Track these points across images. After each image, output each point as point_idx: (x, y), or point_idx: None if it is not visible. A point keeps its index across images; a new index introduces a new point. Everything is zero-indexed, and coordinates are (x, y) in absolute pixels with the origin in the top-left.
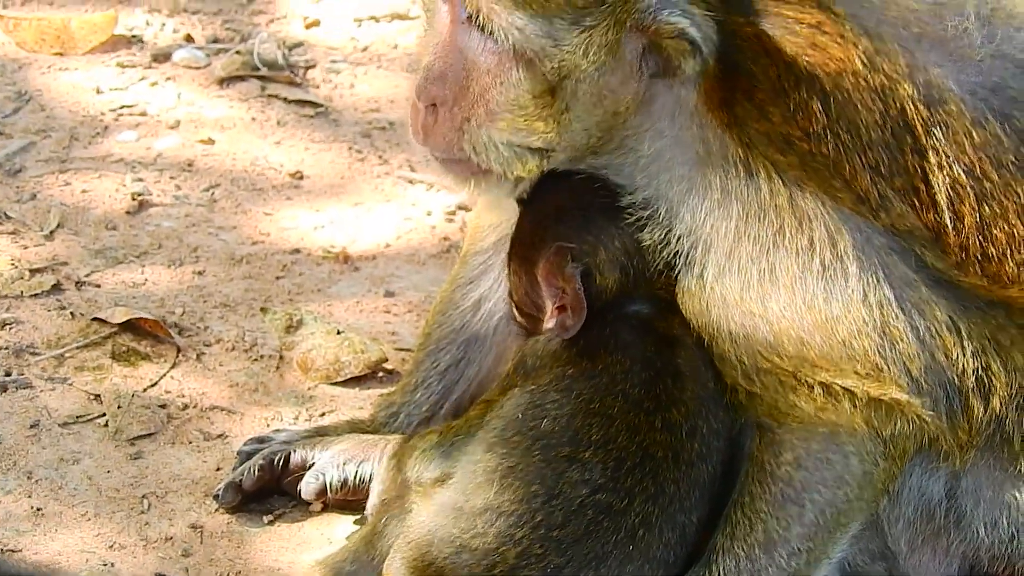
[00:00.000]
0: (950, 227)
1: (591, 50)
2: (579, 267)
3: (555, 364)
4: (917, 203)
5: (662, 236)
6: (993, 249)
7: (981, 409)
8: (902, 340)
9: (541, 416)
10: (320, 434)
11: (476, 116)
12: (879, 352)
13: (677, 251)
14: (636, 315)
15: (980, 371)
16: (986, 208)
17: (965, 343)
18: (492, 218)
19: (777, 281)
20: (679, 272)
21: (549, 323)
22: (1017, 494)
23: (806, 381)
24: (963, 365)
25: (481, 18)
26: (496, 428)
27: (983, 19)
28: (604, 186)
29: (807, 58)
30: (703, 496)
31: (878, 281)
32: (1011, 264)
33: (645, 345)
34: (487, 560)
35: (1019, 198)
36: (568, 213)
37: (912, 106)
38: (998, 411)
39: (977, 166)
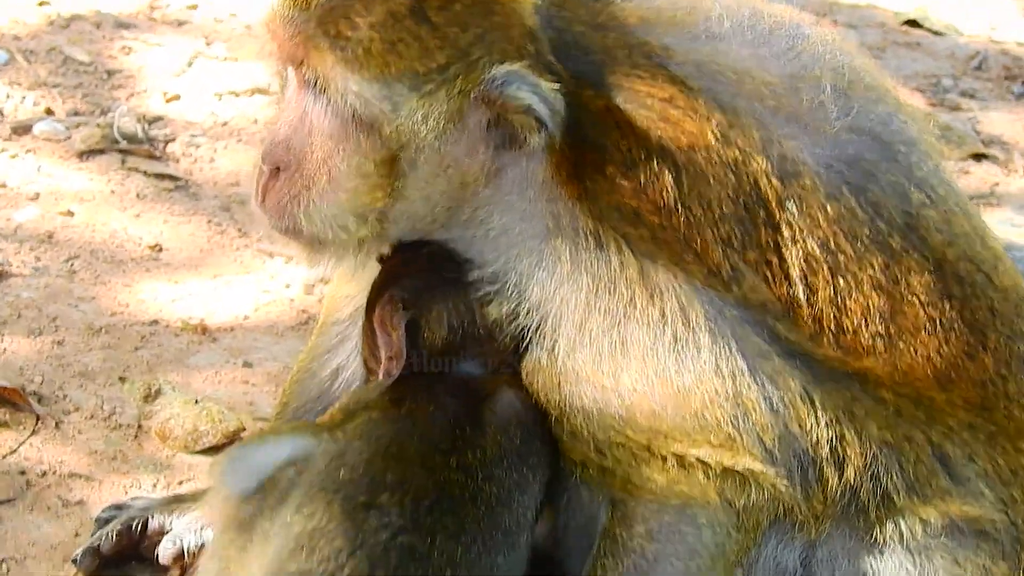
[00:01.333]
0: (803, 299)
1: (431, 118)
2: (407, 316)
3: (364, 410)
4: (770, 276)
5: (511, 310)
6: (848, 321)
7: (836, 479)
8: (755, 410)
9: (340, 466)
10: (178, 501)
11: (315, 183)
12: (732, 422)
13: (526, 325)
14: (459, 372)
15: (834, 441)
16: (840, 280)
17: (819, 413)
18: (350, 289)
19: (628, 353)
20: (528, 347)
21: (380, 372)
22: (873, 563)
23: (659, 453)
24: (817, 435)
25: (321, 82)
26: (303, 485)
27: (839, 92)
28: (454, 255)
29: (659, 132)
30: (509, 541)
31: (731, 352)
32: (866, 335)
33: (455, 396)
34: None
35: (874, 270)
36: (411, 269)
37: (766, 180)
38: (852, 481)
39: (831, 239)
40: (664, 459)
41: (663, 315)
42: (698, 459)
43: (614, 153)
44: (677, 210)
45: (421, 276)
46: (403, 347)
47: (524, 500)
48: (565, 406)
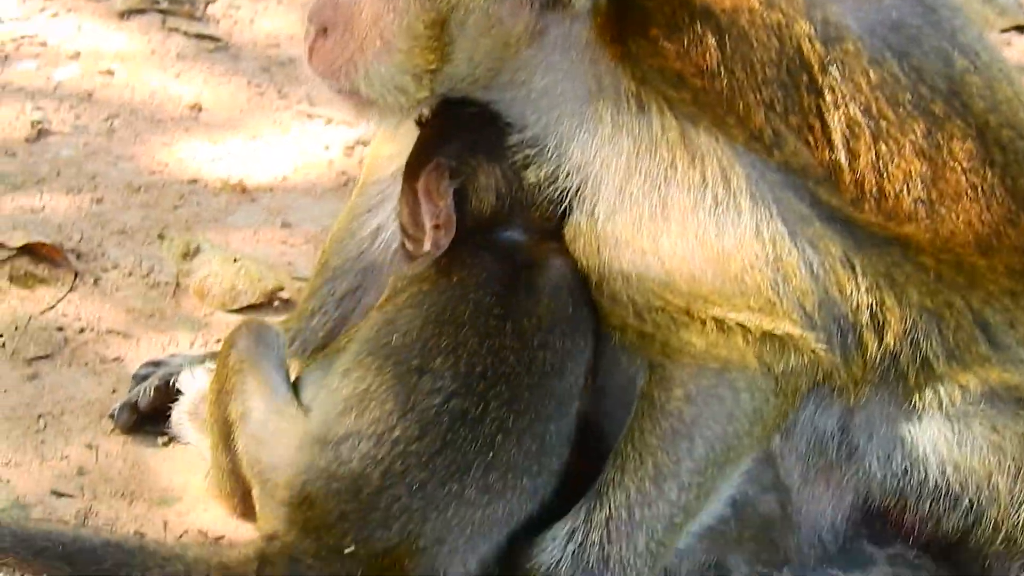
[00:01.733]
0: (845, 165)
1: None
2: (454, 185)
3: (414, 283)
4: (812, 141)
5: (551, 172)
6: (889, 186)
7: (875, 345)
8: (795, 275)
9: (392, 332)
10: (215, 358)
11: (365, 44)
12: (772, 286)
13: (566, 188)
14: (507, 241)
15: (874, 306)
16: (882, 146)
17: (859, 279)
18: (391, 148)
19: (668, 217)
20: (569, 210)
21: (427, 243)
22: (911, 429)
23: (699, 317)
24: (857, 301)
25: None
26: (352, 352)
27: None
28: (496, 118)
29: None
30: (561, 410)
31: (771, 216)
32: (907, 201)
33: (504, 264)
34: (354, 486)
35: (916, 136)
36: (455, 134)
37: (809, 44)
38: (892, 347)
39: (874, 104)
40: (703, 323)
41: (704, 178)
42: (737, 323)
43: (657, 16)
44: (720, 73)
45: (465, 142)
46: (452, 216)
47: (575, 368)
48: (605, 270)
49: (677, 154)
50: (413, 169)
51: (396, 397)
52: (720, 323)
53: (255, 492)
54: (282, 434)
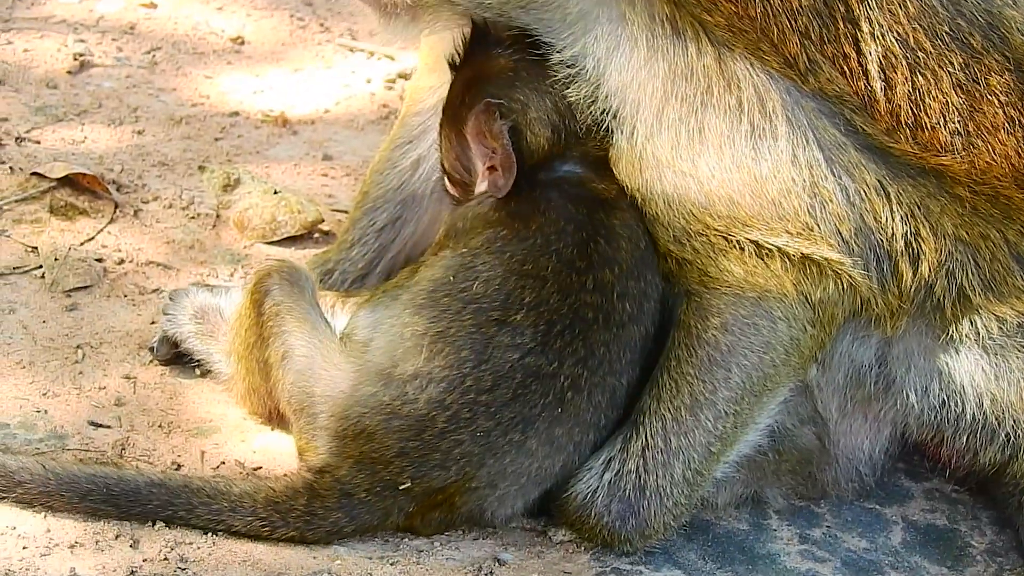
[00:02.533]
0: (881, 95)
1: None
2: (508, 124)
3: (486, 226)
4: (847, 70)
5: (590, 93)
6: (925, 118)
7: (910, 274)
8: (831, 200)
9: (472, 278)
10: None
11: None
12: (809, 212)
13: (606, 109)
14: (569, 176)
15: (909, 236)
16: (919, 77)
17: (894, 207)
18: (431, 80)
19: (706, 141)
20: (611, 132)
21: (481, 185)
22: (949, 361)
23: (737, 241)
24: (892, 229)
25: None
26: (425, 290)
27: None
28: (534, 45)
29: None
30: (633, 359)
31: (807, 142)
32: (944, 133)
33: (578, 206)
34: (417, 425)
35: (953, 68)
36: (497, 72)
37: None
38: (927, 277)
39: (911, 35)
40: (742, 248)
41: (740, 104)
42: (776, 247)
43: None
44: (754, 0)
45: (509, 77)
46: (511, 156)
47: (648, 311)
48: (647, 192)
49: (713, 79)
50: (456, 113)
51: (472, 346)
52: (759, 248)
53: (297, 424)
54: (332, 367)
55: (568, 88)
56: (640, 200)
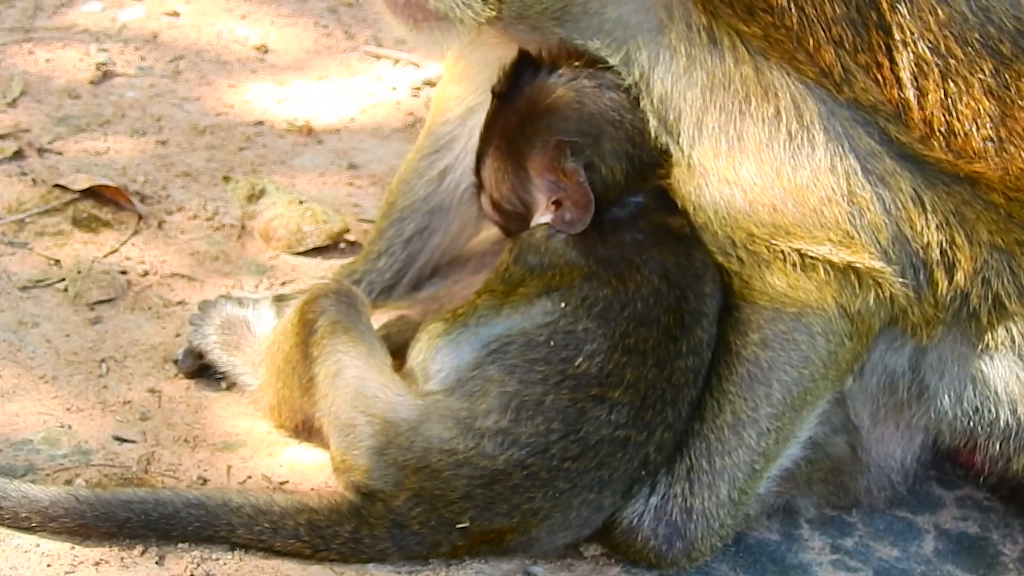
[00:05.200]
0: (914, 103)
1: None
2: (582, 160)
3: (577, 276)
4: (880, 78)
5: (645, 103)
6: (958, 125)
7: (945, 283)
8: (869, 209)
9: (574, 349)
10: (281, 301)
11: None
12: (849, 220)
13: (658, 116)
14: (644, 211)
15: (944, 244)
16: (950, 84)
17: (929, 216)
18: (458, 89)
19: (746, 150)
20: (665, 146)
21: (541, 218)
22: (983, 368)
23: (781, 251)
24: (928, 238)
25: None
26: (518, 347)
27: None
28: (591, 69)
29: None
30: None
31: (844, 151)
32: (976, 139)
33: (664, 253)
34: (490, 476)
35: (984, 75)
36: (561, 104)
37: None
38: (963, 285)
39: (942, 43)
40: (785, 258)
41: (778, 112)
42: (819, 257)
43: None
44: (790, 9)
45: (575, 108)
46: (588, 193)
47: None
48: (696, 200)
49: (751, 88)
50: (514, 147)
51: (565, 419)
52: (802, 258)
53: (341, 441)
54: (391, 392)
55: (638, 103)
56: (692, 210)
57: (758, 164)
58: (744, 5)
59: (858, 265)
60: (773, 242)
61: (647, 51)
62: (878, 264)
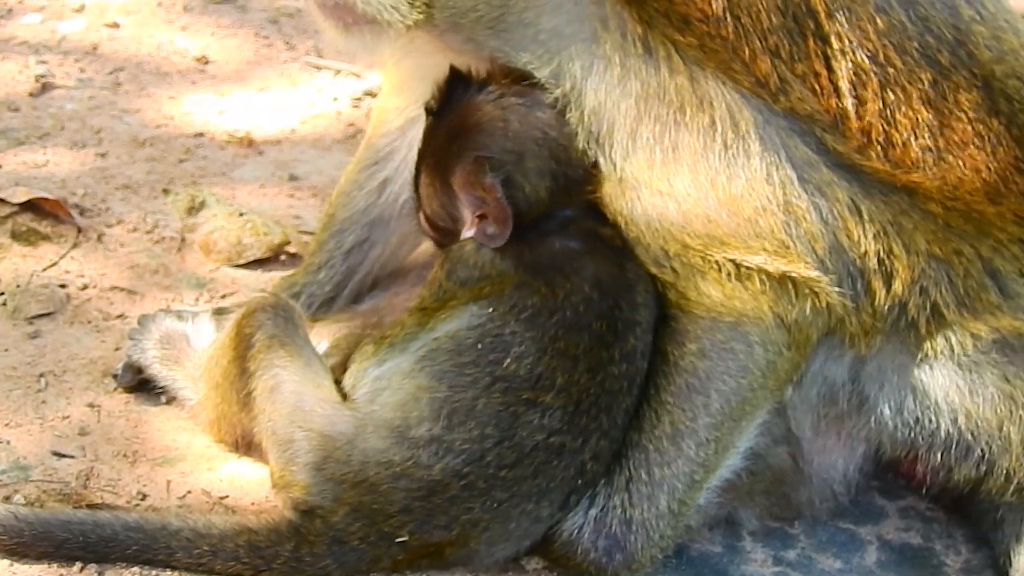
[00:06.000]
0: (852, 113)
1: None
2: (500, 176)
3: (507, 284)
4: (818, 88)
5: (571, 116)
6: (896, 135)
7: (883, 292)
8: (805, 219)
9: (502, 351)
10: (221, 314)
11: None
12: (784, 229)
13: (589, 133)
14: (577, 222)
15: (882, 253)
16: (889, 94)
17: (866, 225)
18: (398, 100)
19: (680, 160)
20: (596, 161)
21: (468, 232)
22: (923, 378)
23: (716, 261)
24: (865, 247)
25: None
26: (447, 351)
27: None
28: (520, 87)
29: None
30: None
31: (780, 160)
32: (915, 149)
33: (597, 261)
34: (428, 488)
35: (923, 85)
36: (486, 121)
37: None
38: (900, 294)
39: (881, 52)
40: (720, 268)
41: (713, 123)
42: (754, 267)
43: None
44: (725, 19)
45: (499, 126)
46: (505, 208)
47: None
48: (628, 214)
49: (686, 98)
50: (441, 162)
51: (498, 424)
52: (737, 268)
53: (279, 457)
54: (328, 406)
55: (565, 115)
56: (623, 223)
57: (692, 175)
58: (679, 15)
59: (794, 275)
60: (708, 253)
61: (581, 61)
62: (814, 273)
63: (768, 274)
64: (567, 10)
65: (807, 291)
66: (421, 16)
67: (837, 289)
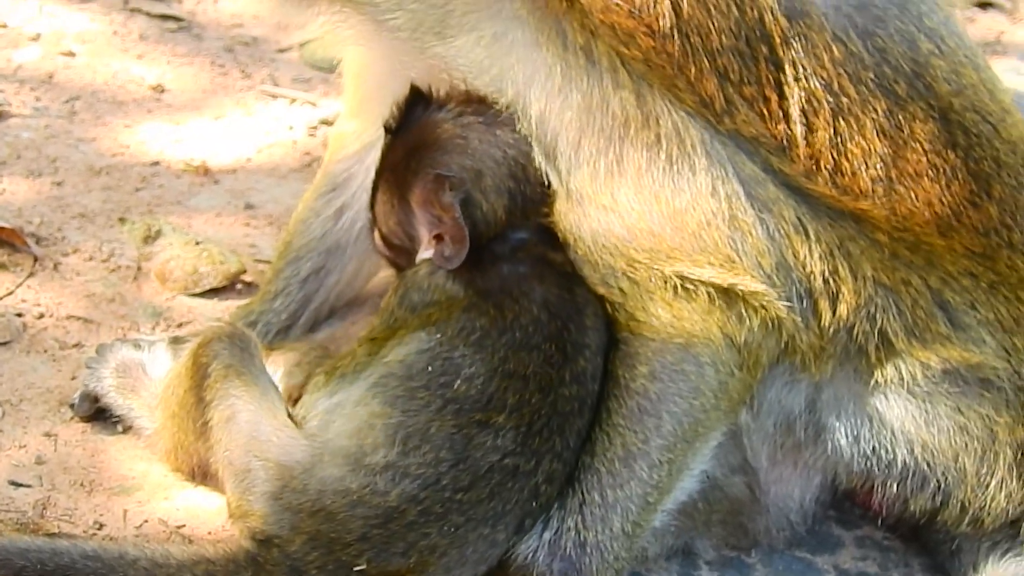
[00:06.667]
0: (801, 139)
1: None
2: (459, 195)
3: (456, 308)
4: (767, 113)
5: (523, 125)
6: (847, 163)
7: (829, 314)
8: (751, 234)
9: (453, 373)
10: (178, 343)
11: None
12: (730, 243)
13: (538, 140)
14: (527, 246)
15: (828, 274)
16: (841, 123)
17: (813, 244)
18: (354, 125)
19: (625, 174)
20: (547, 177)
21: (424, 253)
22: (878, 407)
23: (663, 278)
24: (811, 267)
25: None
26: (398, 376)
27: None
28: (480, 106)
29: None
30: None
31: (726, 175)
32: (865, 178)
33: (546, 285)
34: (385, 515)
35: (877, 115)
36: (446, 139)
37: (771, 16)
38: (846, 318)
39: (835, 80)
40: (665, 284)
41: (658, 139)
42: (700, 282)
43: None
44: (673, 36)
45: (459, 144)
46: (463, 228)
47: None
48: (575, 231)
49: (630, 113)
50: (399, 179)
51: (452, 447)
52: (683, 282)
53: (236, 487)
54: (284, 435)
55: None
56: (572, 241)
57: (636, 189)
58: (625, 28)
59: (741, 288)
60: (654, 267)
61: (524, 69)
62: (761, 287)
63: (715, 288)
64: (507, 15)
65: (755, 306)
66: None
67: (785, 303)
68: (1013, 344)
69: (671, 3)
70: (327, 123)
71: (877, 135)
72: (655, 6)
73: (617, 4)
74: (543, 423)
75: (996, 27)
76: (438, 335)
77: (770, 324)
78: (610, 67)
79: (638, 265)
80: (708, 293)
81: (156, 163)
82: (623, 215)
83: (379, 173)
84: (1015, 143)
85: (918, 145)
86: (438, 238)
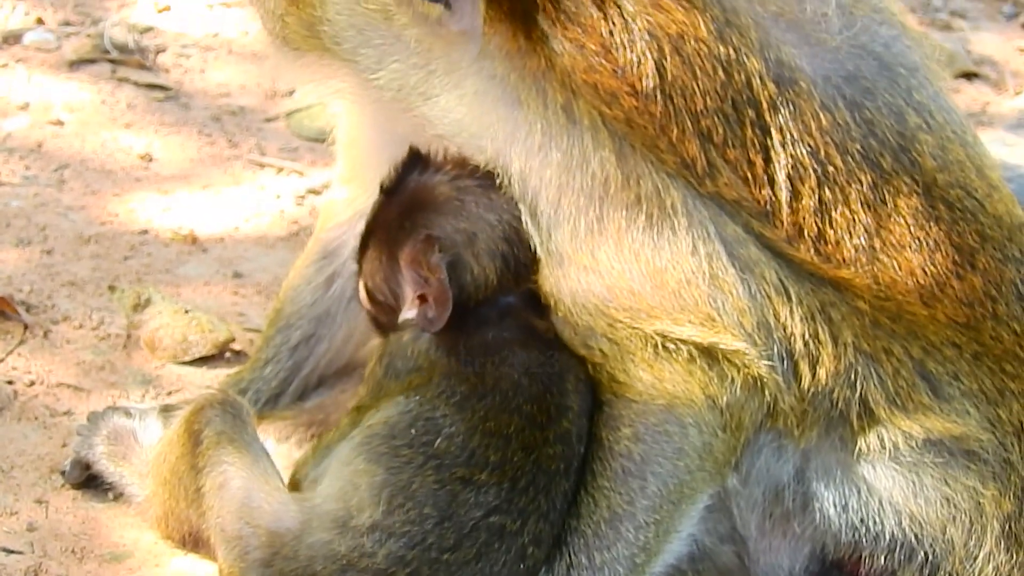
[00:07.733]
0: (786, 204)
1: None
2: (447, 257)
3: (437, 373)
4: (750, 177)
5: (504, 181)
6: (831, 232)
7: (809, 377)
8: (732, 293)
9: (434, 432)
10: (167, 411)
11: None
12: (710, 302)
13: (521, 197)
14: (512, 311)
15: (808, 337)
16: (826, 191)
17: (794, 307)
18: (347, 191)
19: (605, 232)
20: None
21: (407, 313)
22: (866, 478)
23: (643, 338)
24: (792, 328)
25: None
26: (382, 436)
27: (844, 8)
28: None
29: (648, 17)
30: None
31: (708, 235)
32: (848, 247)
33: (528, 350)
34: None
35: (861, 186)
36: (441, 201)
37: (759, 81)
38: (824, 383)
39: (822, 149)
40: (646, 343)
41: (639, 199)
42: (681, 341)
43: (593, 33)
44: (656, 97)
45: (454, 206)
46: (447, 291)
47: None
48: (557, 292)
49: (611, 172)
50: (391, 236)
51: (436, 504)
52: (664, 341)
53: (228, 554)
54: (276, 502)
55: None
56: (553, 303)
57: (617, 248)
58: (608, 88)
59: (722, 346)
60: (635, 327)
61: (504, 127)
62: (741, 345)
63: (696, 347)
64: (488, 74)
65: (736, 365)
66: (311, 37)
67: (767, 363)
68: (997, 416)
69: (655, 64)
70: (314, 192)
71: (861, 206)
72: (639, 66)
73: (601, 64)
74: (527, 481)
75: (982, 98)
76: (417, 397)
77: (752, 384)
78: (591, 126)
79: (618, 325)
80: (689, 352)
81: (145, 232)
82: (603, 274)
83: (369, 228)
84: (1000, 217)
85: (902, 218)
86: (422, 299)
